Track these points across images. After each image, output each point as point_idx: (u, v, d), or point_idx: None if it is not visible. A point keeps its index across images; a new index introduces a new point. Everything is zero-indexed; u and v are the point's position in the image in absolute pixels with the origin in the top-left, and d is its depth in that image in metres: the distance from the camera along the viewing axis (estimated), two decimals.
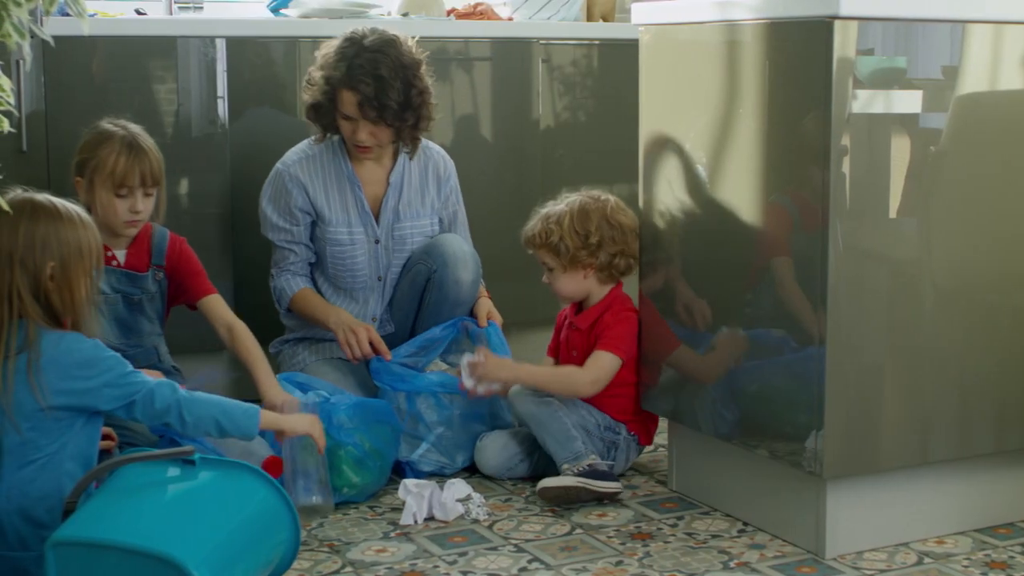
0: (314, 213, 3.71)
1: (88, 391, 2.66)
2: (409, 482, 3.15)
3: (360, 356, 3.59)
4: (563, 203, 3.45)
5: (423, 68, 3.65)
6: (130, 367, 2.71)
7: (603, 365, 3.35)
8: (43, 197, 2.73)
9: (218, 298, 3.48)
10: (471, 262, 3.72)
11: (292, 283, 3.72)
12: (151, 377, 2.74)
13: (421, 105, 3.64)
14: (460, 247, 3.73)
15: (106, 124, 3.38)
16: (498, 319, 3.73)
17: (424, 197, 3.80)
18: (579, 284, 3.42)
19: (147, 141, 3.37)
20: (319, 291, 3.77)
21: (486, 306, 3.76)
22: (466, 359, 3.41)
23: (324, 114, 3.66)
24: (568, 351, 3.48)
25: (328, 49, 3.64)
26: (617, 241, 3.39)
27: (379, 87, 3.55)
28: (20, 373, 2.62)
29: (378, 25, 3.71)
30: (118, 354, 2.72)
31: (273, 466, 3.03)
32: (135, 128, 3.38)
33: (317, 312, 3.68)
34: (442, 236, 3.79)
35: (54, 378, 2.63)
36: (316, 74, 3.65)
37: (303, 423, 3.02)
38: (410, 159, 3.77)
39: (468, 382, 3.36)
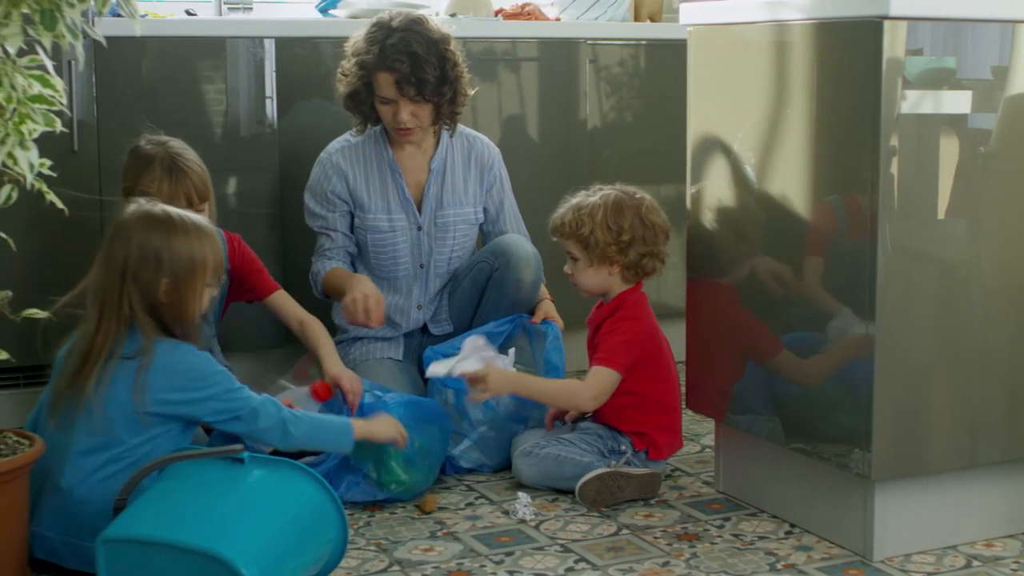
0: (351, 202, 3.73)
1: (192, 402, 2.75)
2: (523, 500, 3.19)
3: (361, 321, 3.55)
4: (596, 195, 3.38)
5: (452, 43, 3.68)
6: (236, 382, 2.78)
7: (604, 380, 3.30)
8: (160, 208, 2.79)
9: (284, 293, 3.58)
10: (534, 263, 3.73)
11: (325, 266, 3.72)
12: (255, 393, 2.81)
13: (457, 79, 3.67)
14: (524, 247, 3.74)
15: (145, 145, 3.37)
16: (559, 322, 3.73)
17: (467, 184, 3.81)
18: (602, 279, 3.37)
19: (187, 159, 3.36)
20: None
21: (545, 307, 3.77)
22: (461, 367, 3.33)
23: (362, 101, 3.68)
24: (588, 348, 3.47)
25: (357, 38, 3.68)
26: (648, 241, 3.34)
27: (414, 63, 3.57)
28: (128, 377, 2.69)
29: None
30: (226, 369, 2.79)
31: (323, 389, 3.24)
32: (175, 145, 3.37)
33: (342, 283, 3.63)
34: (507, 236, 3.81)
35: (162, 386, 2.71)
36: (348, 64, 3.68)
37: (388, 429, 3.09)
38: (451, 136, 3.78)
39: (472, 393, 3.31)
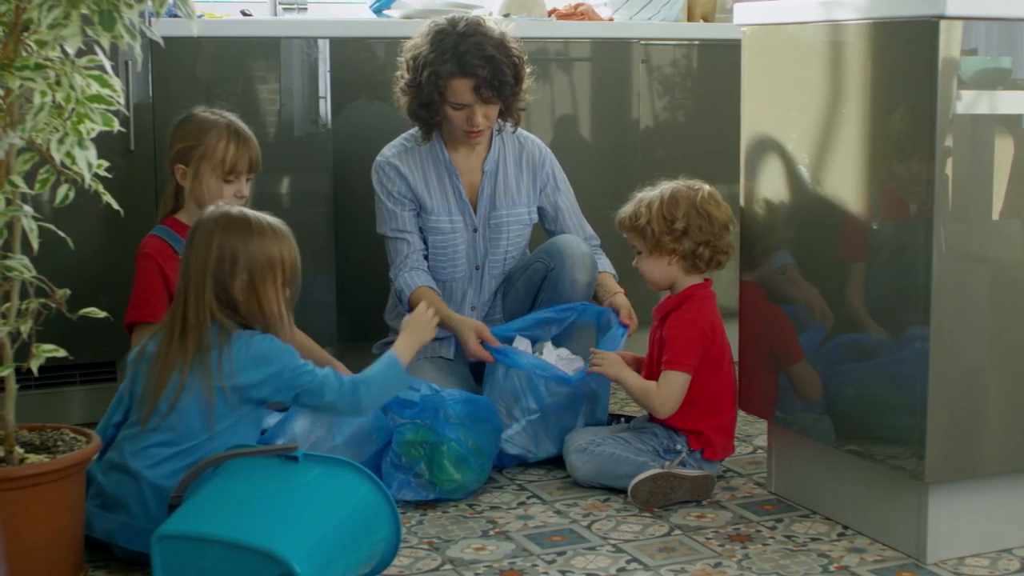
0: (417, 202, 3.73)
1: (259, 383, 2.81)
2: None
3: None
4: (657, 188, 3.42)
5: (511, 38, 3.69)
6: (300, 359, 2.86)
7: (672, 386, 3.29)
8: (237, 210, 2.89)
9: None
10: (589, 263, 3.72)
11: (410, 280, 3.69)
12: (319, 368, 2.88)
13: (524, 75, 3.70)
14: (579, 248, 3.73)
15: (202, 112, 3.45)
16: (633, 323, 3.65)
17: (520, 185, 3.81)
18: (664, 270, 3.39)
19: (247, 127, 3.46)
20: None
21: (627, 304, 3.70)
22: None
23: (436, 111, 3.67)
24: (651, 337, 3.47)
25: (419, 50, 3.66)
26: (704, 231, 3.34)
27: (493, 67, 3.59)
28: (202, 368, 2.77)
29: None
30: (290, 346, 2.86)
31: None
32: (231, 115, 3.46)
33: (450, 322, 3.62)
34: (562, 236, 3.80)
35: (233, 369, 2.78)
36: (417, 74, 3.66)
37: (426, 332, 3.19)
38: (513, 131, 3.80)
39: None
